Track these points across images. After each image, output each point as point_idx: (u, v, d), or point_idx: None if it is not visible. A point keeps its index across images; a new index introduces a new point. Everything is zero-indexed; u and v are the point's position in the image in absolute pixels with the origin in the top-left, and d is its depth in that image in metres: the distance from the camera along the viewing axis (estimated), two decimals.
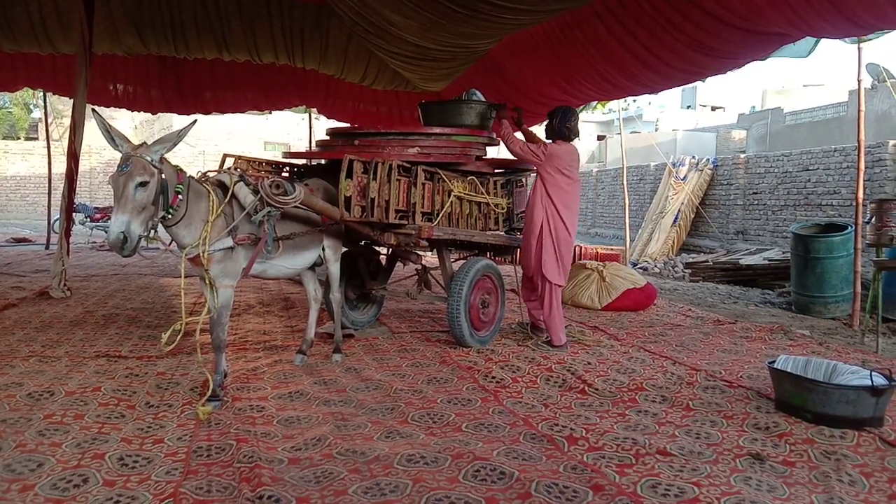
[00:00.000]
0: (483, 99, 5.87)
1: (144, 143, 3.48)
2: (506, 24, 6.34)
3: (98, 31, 7.66)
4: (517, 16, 5.98)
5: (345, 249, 5.13)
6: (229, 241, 3.76)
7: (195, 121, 3.73)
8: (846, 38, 5.68)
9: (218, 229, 3.73)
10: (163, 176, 3.42)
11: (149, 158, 3.35)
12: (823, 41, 5.80)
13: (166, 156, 3.53)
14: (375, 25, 7.58)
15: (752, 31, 4.87)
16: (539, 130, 5.85)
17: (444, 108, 6.03)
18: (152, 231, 3.48)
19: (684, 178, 15.06)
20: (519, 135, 5.39)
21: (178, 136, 3.45)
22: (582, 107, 9.71)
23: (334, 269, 4.82)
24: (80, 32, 7.10)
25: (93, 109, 3.83)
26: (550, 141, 5.24)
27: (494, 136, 5.57)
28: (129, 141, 3.49)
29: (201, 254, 3.63)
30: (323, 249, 4.67)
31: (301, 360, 4.63)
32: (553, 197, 5.10)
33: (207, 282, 3.79)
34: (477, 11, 5.90)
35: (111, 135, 3.42)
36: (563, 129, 5.16)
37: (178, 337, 3.57)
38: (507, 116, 5.50)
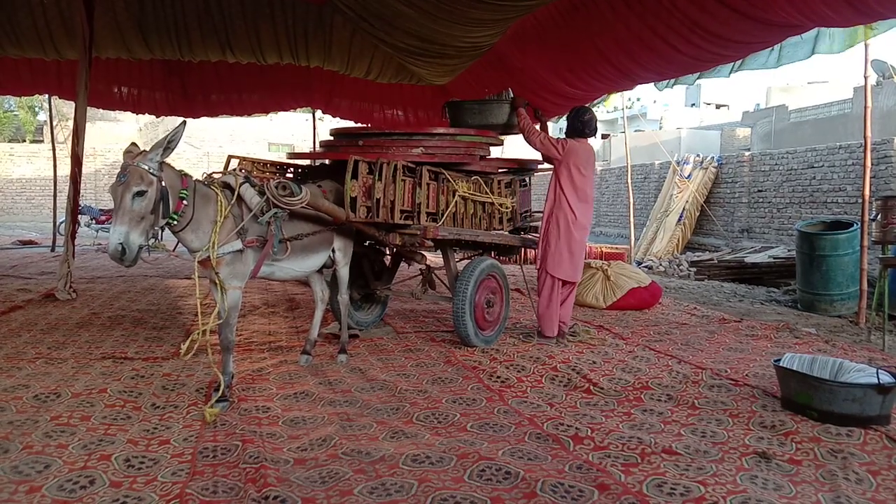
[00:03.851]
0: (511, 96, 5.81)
1: (144, 151, 3.46)
2: (511, 7, 6.29)
3: (102, 35, 7.70)
4: None
5: None
6: (238, 244, 3.76)
7: (184, 122, 3.71)
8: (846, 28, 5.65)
9: (226, 232, 3.73)
10: (163, 183, 3.40)
11: (146, 167, 3.33)
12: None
13: (169, 160, 3.53)
14: (381, 19, 7.58)
15: (759, 19, 4.85)
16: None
17: (483, 107, 5.72)
18: (153, 239, 3.48)
19: (689, 176, 15.01)
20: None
21: (168, 140, 3.41)
22: (590, 103, 9.71)
23: (344, 271, 4.82)
24: (81, 36, 7.12)
25: None
26: (567, 138, 5.34)
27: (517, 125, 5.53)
28: (136, 149, 3.48)
29: (211, 257, 3.64)
30: (333, 252, 4.67)
31: (306, 361, 4.64)
32: (566, 192, 5.21)
33: (217, 284, 3.80)
34: None
35: None
36: (578, 125, 5.30)
37: (197, 345, 3.60)
38: (522, 105, 5.53)
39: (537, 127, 5.53)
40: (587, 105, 6.57)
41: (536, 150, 5.40)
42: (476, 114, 5.66)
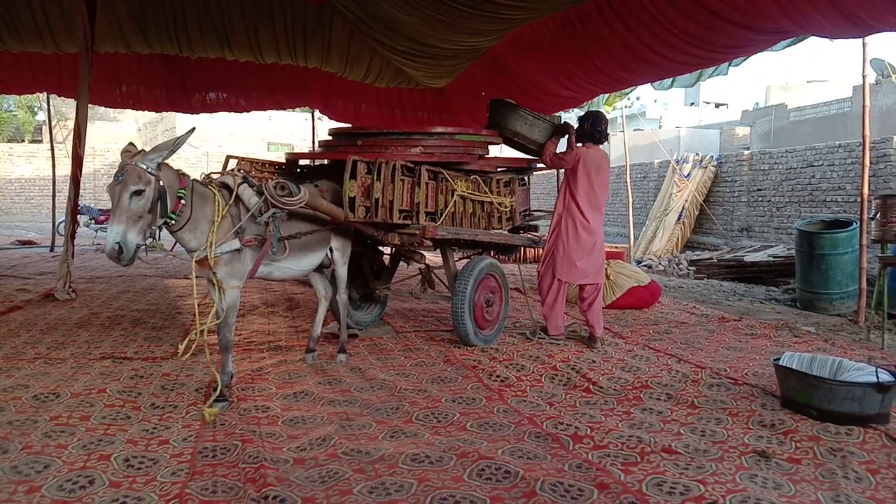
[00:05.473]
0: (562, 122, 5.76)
1: (142, 150, 3.47)
2: (508, 20, 6.34)
3: (101, 29, 7.68)
4: (520, 13, 5.97)
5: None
6: (236, 244, 3.77)
7: (193, 129, 3.74)
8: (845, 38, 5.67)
9: (224, 231, 3.73)
10: (161, 183, 3.41)
11: (144, 166, 3.34)
12: None
13: (168, 160, 3.53)
14: (379, 22, 7.59)
15: (751, 27, 4.87)
16: None
17: (535, 120, 5.57)
18: (150, 239, 3.48)
19: (688, 175, 15.01)
20: (562, 147, 5.54)
21: (174, 144, 3.45)
22: (585, 104, 9.74)
23: (342, 271, 4.82)
24: (82, 39, 7.10)
25: None
26: (580, 144, 5.36)
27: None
28: (134, 148, 3.49)
29: (209, 256, 3.64)
30: (331, 251, 4.67)
31: (312, 358, 4.69)
32: (576, 197, 5.26)
33: (215, 284, 3.80)
34: (480, 10, 5.89)
35: None
36: (595, 133, 5.35)
37: (195, 345, 3.61)
38: (564, 135, 5.53)
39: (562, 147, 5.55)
40: (598, 110, 6.64)
41: (548, 166, 5.49)
42: (525, 124, 5.55)
